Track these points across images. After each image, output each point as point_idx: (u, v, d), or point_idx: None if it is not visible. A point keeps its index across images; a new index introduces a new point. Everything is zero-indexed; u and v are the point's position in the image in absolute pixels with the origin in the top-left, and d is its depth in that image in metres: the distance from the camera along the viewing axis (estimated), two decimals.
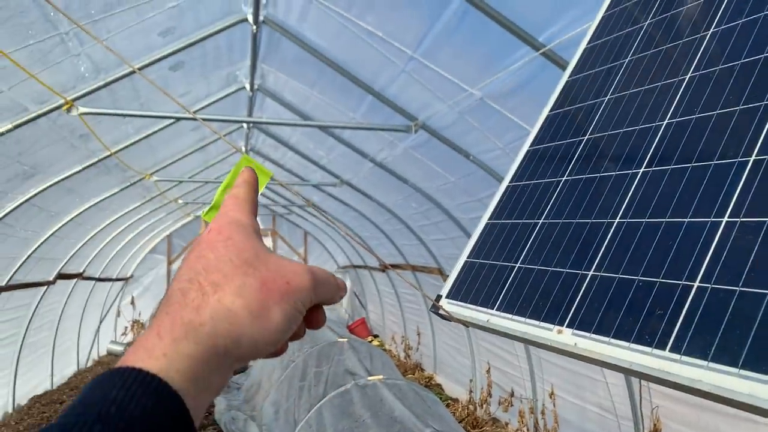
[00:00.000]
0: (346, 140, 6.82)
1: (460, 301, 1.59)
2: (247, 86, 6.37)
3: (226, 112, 7.14)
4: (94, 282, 11.47)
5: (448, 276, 2.04)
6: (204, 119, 5.87)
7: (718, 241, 1.02)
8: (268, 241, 16.95)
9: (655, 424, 4.99)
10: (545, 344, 1.23)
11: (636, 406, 5.23)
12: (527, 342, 1.30)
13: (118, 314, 14.79)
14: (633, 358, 1.03)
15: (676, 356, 0.95)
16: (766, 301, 0.86)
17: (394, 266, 11.32)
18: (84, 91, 4.45)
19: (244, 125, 8.12)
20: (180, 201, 11.89)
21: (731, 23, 1.34)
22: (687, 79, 1.37)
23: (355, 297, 16.26)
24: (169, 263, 16.19)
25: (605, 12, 1.88)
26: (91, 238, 9.34)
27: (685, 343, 0.95)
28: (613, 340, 1.08)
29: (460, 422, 7.97)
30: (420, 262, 9.54)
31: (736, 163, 1.09)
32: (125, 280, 14.95)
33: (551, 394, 6.61)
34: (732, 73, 1.24)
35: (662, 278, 1.06)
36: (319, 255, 17.45)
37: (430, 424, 4.97)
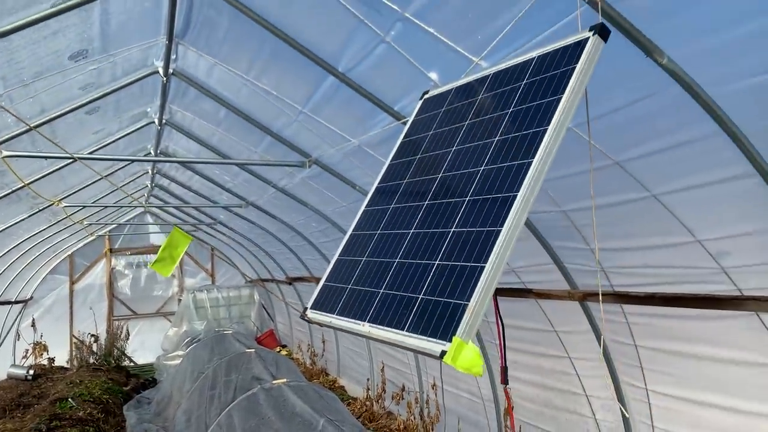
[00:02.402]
0: (250, 169, 7.60)
1: (318, 310, 2.51)
2: (156, 121, 7.01)
3: (136, 142, 7.71)
4: None
5: None
6: (112, 158, 6.46)
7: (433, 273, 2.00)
8: None
9: (509, 403, 6.15)
10: (358, 333, 2.17)
11: (496, 390, 6.39)
12: (349, 332, 2.23)
13: (18, 337, 14.53)
14: (393, 337, 1.98)
15: (407, 333, 1.91)
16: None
17: (299, 279, 12.12)
18: (7, 137, 5.00)
19: (152, 152, 8.66)
20: (85, 222, 12.06)
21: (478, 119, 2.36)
22: (454, 149, 2.37)
23: (264, 310, 16.84)
24: (72, 283, 16.04)
25: (416, 114, 2.88)
26: None
27: (406, 325, 1.91)
28: (386, 328, 2.03)
29: (358, 417, 8.91)
30: (322, 275, 10.40)
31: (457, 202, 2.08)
32: (25, 302, 14.71)
33: (433, 386, 7.69)
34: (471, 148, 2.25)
35: (401, 292, 2.04)
36: (227, 270, 17.85)
37: (326, 416, 5.84)
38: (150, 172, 10.27)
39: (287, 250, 11.23)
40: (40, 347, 14.28)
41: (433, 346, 1.79)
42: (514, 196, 1.89)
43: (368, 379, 9.85)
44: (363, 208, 2.74)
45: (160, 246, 17.06)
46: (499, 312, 2.35)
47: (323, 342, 12.50)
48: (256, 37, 4.15)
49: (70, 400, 9.35)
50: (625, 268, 4.04)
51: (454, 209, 2.14)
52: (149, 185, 11.40)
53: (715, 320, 3.61)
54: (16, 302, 13.79)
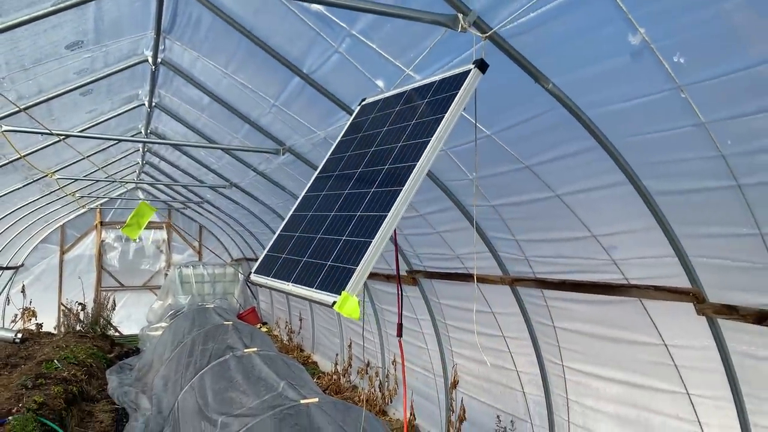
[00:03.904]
0: (232, 153, 8.16)
1: (260, 274, 3.09)
2: (146, 104, 7.54)
3: (127, 121, 8.25)
4: None
5: None
6: (103, 137, 7.00)
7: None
8: (162, 234, 17.72)
9: (455, 378, 6.79)
10: (283, 290, 2.76)
11: (446, 366, 7.01)
12: (278, 290, 2.82)
13: (8, 302, 15.11)
14: (305, 292, 2.57)
15: (314, 289, 2.50)
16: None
17: None
18: (7, 113, 5.54)
19: (143, 132, 9.19)
20: (77, 194, 12.58)
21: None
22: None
23: (247, 287, 17.44)
24: (62, 253, 16.58)
25: (354, 118, 3.46)
26: None
27: (316, 284, 2.50)
28: (302, 286, 2.62)
29: (325, 390, 9.55)
30: None
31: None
32: (16, 269, 15.27)
33: (393, 362, 8.33)
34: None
35: (317, 260, 2.63)
36: (214, 248, 18.42)
37: (287, 380, 6.45)
38: (141, 150, 10.80)
39: (269, 231, 11.81)
40: (28, 313, 14.84)
41: (329, 298, 2.38)
42: (400, 190, 2.48)
43: (337, 355, 10.49)
44: (303, 193, 3.32)
45: (150, 221, 17.69)
46: (399, 279, 2.93)
47: (300, 320, 13.13)
48: (233, 38, 4.70)
49: (55, 361, 9.93)
50: (544, 258, 4.65)
51: (363, 197, 2.72)
52: (140, 162, 11.92)
53: (611, 305, 4.23)
54: (8, 268, 14.36)
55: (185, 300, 16.02)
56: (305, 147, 6.26)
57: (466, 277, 5.84)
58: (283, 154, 6.57)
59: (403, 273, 7.14)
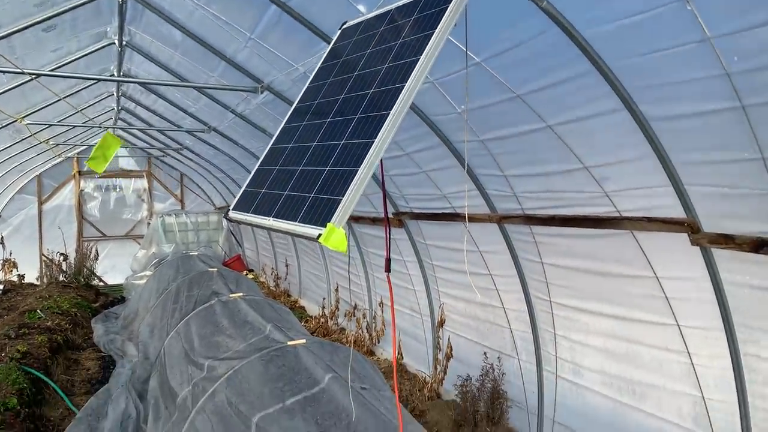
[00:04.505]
0: (209, 94, 7.85)
1: (238, 210, 2.94)
2: (116, 42, 7.16)
3: (98, 61, 7.85)
4: None
5: None
6: (72, 75, 6.65)
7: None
8: (143, 183, 17.38)
9: (442, 317, 6.79)
10: (263, 226, 2.61)
11: (432, 306, 7.00)
12: (257, 227, 2.67)
13: None
14: (287, 227, 2.42)
15: (297, 223, 2.35)
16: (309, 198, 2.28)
17: None
18: None
19: (115, 73, 8.79)
20: (51, 142, 12.18)
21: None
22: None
23: (232, 236, 17.30)
24: (40, 203, 16.22)
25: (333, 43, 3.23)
26: None
27: (299, 218, 2.35)
28: (284, 220, 2.47)
29: (313, 332, 9.58)
30: None
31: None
32: None
33: (380, 304, 8.32)
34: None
35: (299, 193, 2.47)
36: (196, 196, 18.15)
37: (274, 323, 6.40)
38: (115, 93, 10.38)
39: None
40: (9, 264, 14.63)
41: (313, 231, 2.24)
42: (387, 114, 2.30)
43: (324, 299, 10.49)
44: (282, 125, 3.13)
45: (130, 170, 17.34)
46: (387, 214, 2.79)
47: (286, 266, 13.08)
48: None
49: (38, 311, 9.82)
50: (533, 193, 4.53)
51: (347, 125, 2.54)
52: (115, 108, 11.50)
53: (602, 238, 4.15)
54: None
55: (169, 248, 15.87)
56: (284, 84, 5.99)
57: (453, 217, 5.73)
58: (262, 92, 6.30)
59: (389, 216, 7.02)
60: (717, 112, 2.81)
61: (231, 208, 3.01)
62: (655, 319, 4.02)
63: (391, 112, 2.31)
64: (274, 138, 3.08)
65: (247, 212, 2.82)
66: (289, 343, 5.48)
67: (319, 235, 2.20)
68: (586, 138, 3.62)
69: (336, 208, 2.23)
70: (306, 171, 2.60)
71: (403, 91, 2.33)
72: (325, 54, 3.21)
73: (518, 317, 5.55)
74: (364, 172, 2.25)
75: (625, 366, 4.42)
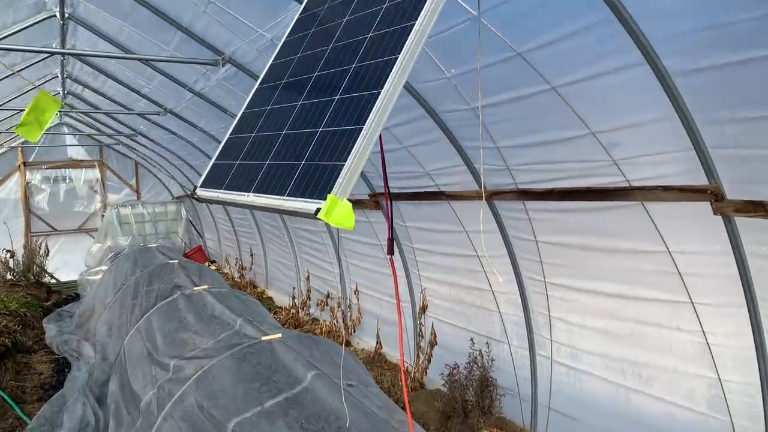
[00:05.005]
0: (164, 70, 7.22)
1: (208, 188, 2.47)
2: (57, 14, 6.47)
3: (39, 37, 7.12)
4: None
5: None
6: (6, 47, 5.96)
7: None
8: (95, 173, 16.45)
9: (424, 302, 6.43)
10: (242, 204, 2.16)
11: (413, 291, 6.63)
12: (234, 204, 2.22)
13: None
14: (273, 202, 1.98)
15: (286, 197, 1.91)
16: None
17: None
18: None
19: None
20: None
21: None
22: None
23: (191, 226, 16.57)
24: None
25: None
26: None
27: (288, 191, 1.92)
28: (268, 195, 2.03)
29: (284, 324, 9.11)
30: None
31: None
32: None
33: (356, 291, 7.91)
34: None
35: (285, 161, 2.03)
36: (153, 186, 17.31)
37: (244, 316, 5.92)
38: (60, 76, 9.59)
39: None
40: None
41: (309, 205, 1.80)
42: (395, 59, 1.88)
43: (294, 288, 10.01)
44: (256, 86, 2.67)
45: (80, 160, 16.36)
46: (388, 187, 2.38)
47: (251, 255, 12.51)
48: None
49: None
50: (528, 165, 4.17)
51: (341, 77, 2.11)
52: (61, 92, 10.68)
53: (607, 212, 3.82)
54: None
55: (126, 241, 15.12)
56: (249, 55, 5.45)
57: (437, 196, 5.34)
58: (223, 65, 5.75)
59: (364, 197, 6.59)
60: (755, 61, 2.48)
61: (198, 185, 2.54)
62: (665, 297, 3.73)
63: (399, 58, 1.89)
64: (247, 101, 2.61)
65: (220, 189, 2.36)
66: (264, 338, 5.03)
67: (318, 210, 1.76)
68: (595, 100, 3.26)
69: (337, 176, 1.80)
70: (292, 135, 2.15)
71: (413, 32, 1.91)
72: (304, 4, 2.75)
73: (508, 300, 5.22)
74: (372, 129, 1.83)
75: (630, 348, 4.13)
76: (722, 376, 3.53)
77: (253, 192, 2.14)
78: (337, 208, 1.76)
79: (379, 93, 1.86)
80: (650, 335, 3.93)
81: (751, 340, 3.28)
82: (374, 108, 1.85)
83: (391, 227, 2.41)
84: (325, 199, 1.77)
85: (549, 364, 4.95)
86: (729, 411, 3.53)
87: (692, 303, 3.57)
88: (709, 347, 3.56)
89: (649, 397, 4.05)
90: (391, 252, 2.34)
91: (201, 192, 2.46)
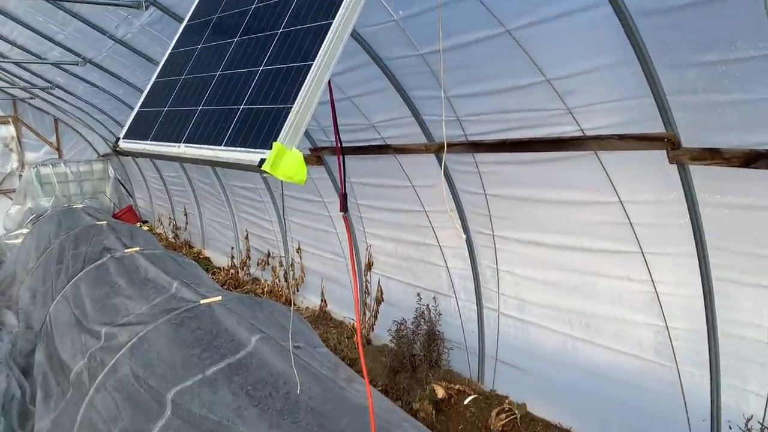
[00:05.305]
0: (79, 14, 6.55)
1: (132, 139, 2.16)
2: None
3: None
4: None
5: None
6: None
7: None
8: (9, 129, 15.21)
9: (369, 259, 6.29)
10: (171, 156, 1.88)
11: (358, 249, 6.46)
12: (162, 157, 1.94)
13: None
14: (208, 153, 1.72)
15: (223, 147, 1.66)
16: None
17: None
18: None
19: None
20: None
21: None
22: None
23: (120, 185, 15.72)
24: None
25: None
26: None
27: (225, 140, 1.66)
28: (202, 145, 1.76)
29: (223, 285, 8.79)
30: None
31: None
32: None
33: (298, 250, 7.67)
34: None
35: (221, 106, 1.76)
36: (76, 143, 16.19)
37: (180, 278, 5.60)
38: None
39: None
40: None
41: (251, 156, 1.56)
42: None
43: (232, 248, 9.67)
44: (185, 23, 2.34)
45: None
46: (339, 138, 2.15)
47: (185, 215, 11.98)
48: None
49: None
50: (480, 116, 4.01)
51: (284, 7, 1.83)
52: None
53: (560, 163, 3.73)
54: None
55: (48, 202, 14.24)
56: None
57: (383, 150, 5.12)
58: (147, 8, 5.24)
59: (305, 152, 6.29)
60: (709, 1, 2.36)
61: (121, 137, 2.23)
62: (615, 248, 3.70)
63: None
64: (175, 40, 2.29)
65: (146, 140, 2.06)
66: (203, 301, 4.76)
67: (262, 161, 1.52)
68: (553, 44, 3.10)
69: (284, 121, 1.56)
70: (229, 75, 1.88)
71: None
72: None
73: (456, 254, 5.14)
74: (322, 66, 1.58)
75: (577, 299, 4.13)
76: (670, 324, 3.57)
77: (184, 142, 1.86)
78: (285, 159, 1.52)
79: (330, 24, 1.61)
80: (599, 286, 3.93)
81: (700, 289, 3.30)
82: (325, 40, 1.60)
83: (344, 181, 2.18)
84: (270, 149, 1.53)
85: (496, 317, 4.94)
86: (675, 358, 3.58)
87: (642, 253, 3.55)
88: (657, 296, 3.58)
89: (597, 347, 4.08)
90: (344, 209, 2.13)
91: (124, 144, 2.15)
